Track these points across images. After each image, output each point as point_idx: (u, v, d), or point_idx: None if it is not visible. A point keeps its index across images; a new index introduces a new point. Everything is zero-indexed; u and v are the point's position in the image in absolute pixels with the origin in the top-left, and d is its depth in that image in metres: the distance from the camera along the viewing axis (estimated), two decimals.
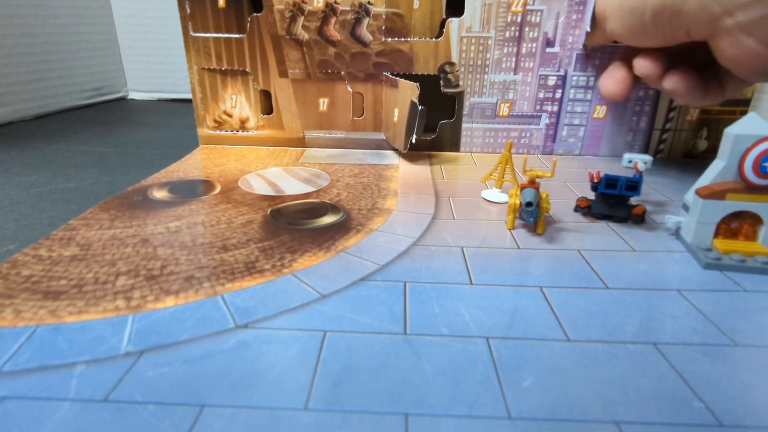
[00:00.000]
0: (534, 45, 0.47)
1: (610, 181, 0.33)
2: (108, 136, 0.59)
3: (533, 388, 0.18)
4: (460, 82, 0.49)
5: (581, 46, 0.46)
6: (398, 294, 0.24)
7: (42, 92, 0.67)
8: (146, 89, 0.82)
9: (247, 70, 0.50)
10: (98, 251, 0.29)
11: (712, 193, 0.28)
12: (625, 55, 0.41)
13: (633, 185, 0.33)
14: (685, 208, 0.31)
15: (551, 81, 0.48)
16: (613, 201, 0.34)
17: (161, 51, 0.79)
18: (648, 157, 0.34)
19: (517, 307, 0.23)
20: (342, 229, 0.32)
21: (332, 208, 0.36)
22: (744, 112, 0.48)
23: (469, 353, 0.20)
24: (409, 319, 0.22)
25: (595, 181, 0.34)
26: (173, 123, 0.67)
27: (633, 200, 0.35)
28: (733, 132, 0.27)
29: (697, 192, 0.29)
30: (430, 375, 0.19)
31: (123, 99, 0.82)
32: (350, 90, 0.50)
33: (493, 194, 0.38)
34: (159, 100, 0.81)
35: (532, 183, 0.32)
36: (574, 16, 0.46)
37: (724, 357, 0.20)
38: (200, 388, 0.18)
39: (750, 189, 0.28)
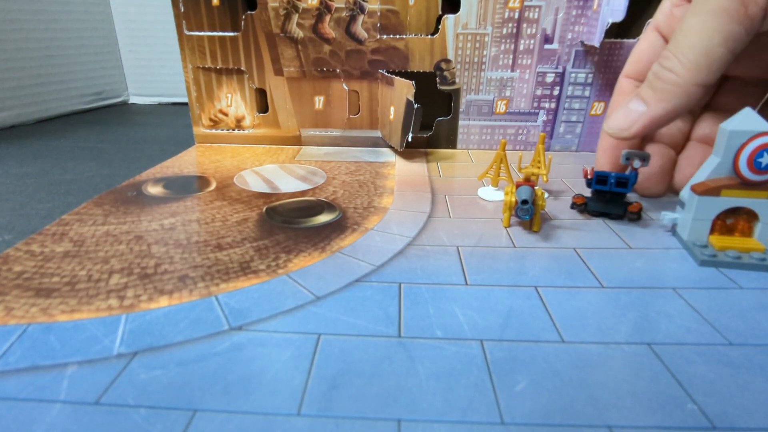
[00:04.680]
0: (532, 41, 0.47)
1: (600, 177, 0.33)
2: (107, 134, 0.59)
3: (526, 392, 0.18)
4: (457, 80, 0.49)
5: None
6: (393, 295, 0.24)
7: (43, 96, 0.67)
8: (147, 93, 0.83)
9: (242, 68, 0.49)
10: (91, 248, 0.29)
11: (708, 190, 0.28)
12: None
13: (623, 182, 0.33)
14: (681, 204, 0.30)
15: (549, 78, 0.48)
16: (609, 198, 0.34)
17: (161, 55, 0.79)
18: (646, 153, 0.34)
19: (511, 308, 0.23)
20: (338, 228, 0.32)
21: (328, 206, 0.35)
22: None
23: (463, 356, 0.20)
24: (404, 322, 0.22)
25: (589, 177, 0.33)
26: (172, 123, 0.67)
27: (631, 197, 0.35)
28: (728, 128, 0.27)
29: (693, 188, 0.29)
30: (424, 379, 0.19)
31: (124, 103, 0.82)
32: (346, 87, 0.50)
33: (489, 192, 0.38)
34: (160, 104, 0.82)
35: (528, 180, 0.32)
36: (574, 12, 0.45)
37: (719, 357, 0.20)
38: (193, 391, 0.18)
39: (745, 185, 0.28)
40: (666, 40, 0.34)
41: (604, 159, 0.37)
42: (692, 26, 0.27)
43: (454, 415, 0.17)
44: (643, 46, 0.35)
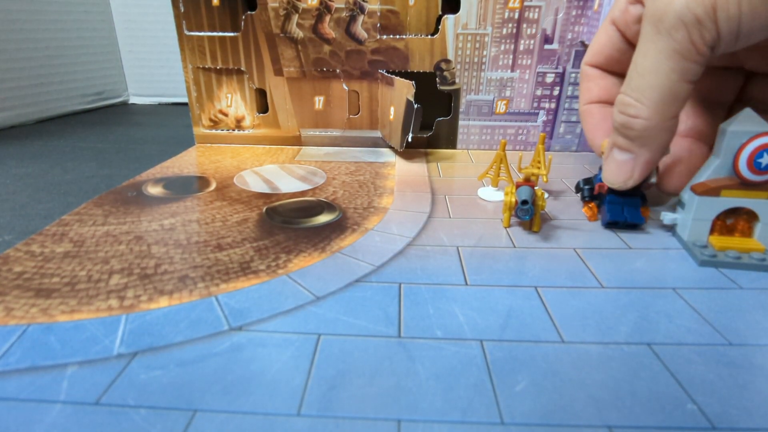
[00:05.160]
0: (532, 42, 0.47)
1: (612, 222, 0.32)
2: (107, 134, 0.59)
3: (526, 392, 0.18)
4: (457, 80, 0.49)
5: None
6: (393, 295, 0.24)
7: (43, 97, 0.67)
8: (147, 93, 0.83)
9: (242, 68, 0.49)
10: (91, 248, 0.29)
11: (708, 190, 0.28)
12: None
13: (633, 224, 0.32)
14: (681, 205, 0.30)
15: (549, 78, 0.48)
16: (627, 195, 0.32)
17: (161, 55, 0.79)
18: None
19: (511, 308, 0.23)
20: (337, 228, 0.32)
21: (328, 206, 0.35)
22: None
23: (463, 356, 0.20)
24: (404, 322, 0.22)
25: (603, 192, 0.33)
26: (173, 123, 0.67)
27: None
28: (727, 128, 0.27)
29: (693, 189, 0.29)
30: (424, 379, 0.19)
31: (124, 103, 0.82)
32: (346, 88, 0.50)
33: (489, 192, 0.38)
34: (159, 104, 0.82)
35: (528, 181, 0.32)
36: (574, 12, 0.45)
37: (719, 357, 0.20)
38: (193, 392, 0.18)
39: (745, 185, 0.28)
40: (622, 35, 0.33)
41: (598, 138, 0.36)
42: (647, 68, 0.27)
43: (454, 415, 0.17)
44: (602, 39, 0.34)
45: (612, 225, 0.33)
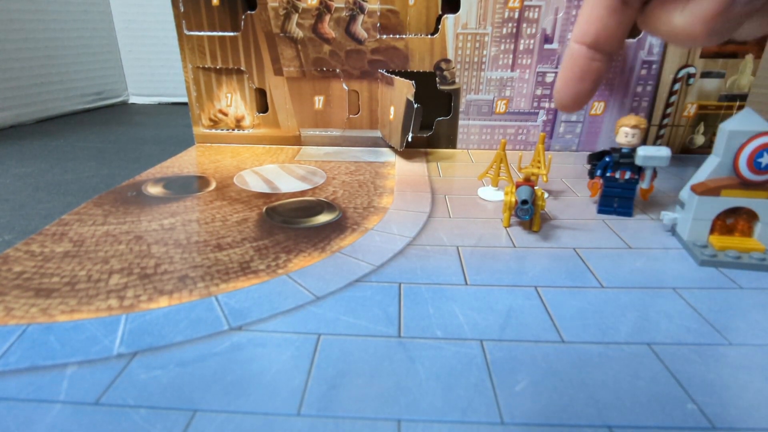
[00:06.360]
0: (532, 41, 0.47)
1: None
2: (107, 134, 0.59)
3: (526, 392, 0.18)
4: (456, 80, 0.48)
5: None
6: (393, 295, 0.24)
7: (43, 96, 0.67)
8: (147, 93, 0.83)
9: (242, 68, 0.49)
10: (91, 248, 0.29)
11: (707, 190, 0.28)
12: None
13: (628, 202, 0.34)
14: (681, 204, 0.30)
15: (549, 78, 0.48)
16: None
17: (161, 55, 0.79)
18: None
19: (511, 308, 0.23)
20: (337, 228, 0.32)
21: (328, 206, 0.35)
22: (741, 107, 0.47)
23: (463, 356, 0.20)
24: (404, 322, 0.22)
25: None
26: (172, 123, 0.67)
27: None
28: (727, 128, 0.27)
29: (693, 188, 0.29)
30: (424, 379, 0.19)
31: (124, 103, 0.82)
32: (346, 87, 0.50)
33: (489, 192, 0.38)
34: (159, 104, 0.82)
35: (528, 180, 0.32)
36: (574, 12, 0.45)
37: (719, 357, 0.20)
38: (193, 391, 0.18)
39: (745, 185, 0.28)
40: None
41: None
42: None
43: (454, 415, 0.17)
44: None
45: (604, 211, 0.35)
